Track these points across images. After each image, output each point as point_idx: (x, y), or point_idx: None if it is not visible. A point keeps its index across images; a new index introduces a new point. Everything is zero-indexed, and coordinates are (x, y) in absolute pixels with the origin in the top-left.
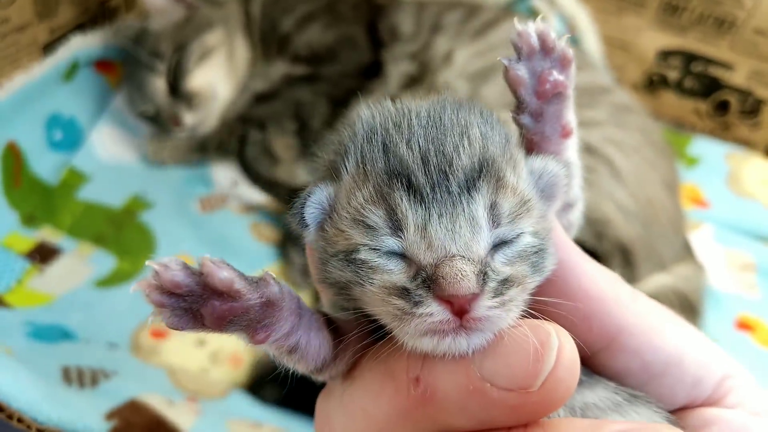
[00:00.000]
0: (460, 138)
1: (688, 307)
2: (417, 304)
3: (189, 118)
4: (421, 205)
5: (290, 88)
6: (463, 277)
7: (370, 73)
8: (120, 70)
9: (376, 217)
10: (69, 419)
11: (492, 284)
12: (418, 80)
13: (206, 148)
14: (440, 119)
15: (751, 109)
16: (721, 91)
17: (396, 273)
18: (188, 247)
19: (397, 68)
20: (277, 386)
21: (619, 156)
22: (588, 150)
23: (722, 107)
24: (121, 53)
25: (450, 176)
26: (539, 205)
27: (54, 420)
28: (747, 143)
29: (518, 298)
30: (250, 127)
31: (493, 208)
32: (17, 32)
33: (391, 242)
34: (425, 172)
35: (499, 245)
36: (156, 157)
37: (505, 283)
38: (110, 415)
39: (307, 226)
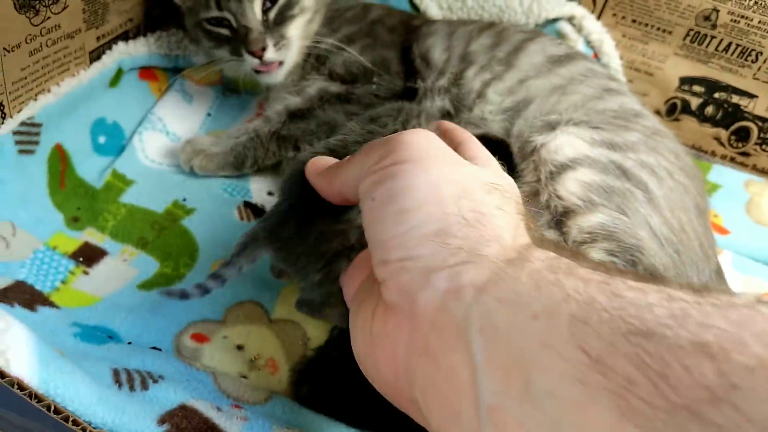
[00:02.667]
0: None
1: None
2: None
3: (271, 52)
4: None
5: (323, 107)
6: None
7: (403, 98)
8: (162, 78)
9: None
10: (123, 423)
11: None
12: (453, 115)
13: (242, 165)
14: None
15: None
16: (743, 120)
17: None
18: (226, 254)
19: (434, 104)
20: (317, 389)
21: (654, 181)
22: (624, 174)
23: (743, 136)
24: (163, 60)
25: None
26: None
27: (108, 424)
28: (766, 173)
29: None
30: (284, 146)
31: None
32: (67, 38)
33: None
34: None
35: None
36: (187, 164)
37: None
38: (162, 420)
39: None
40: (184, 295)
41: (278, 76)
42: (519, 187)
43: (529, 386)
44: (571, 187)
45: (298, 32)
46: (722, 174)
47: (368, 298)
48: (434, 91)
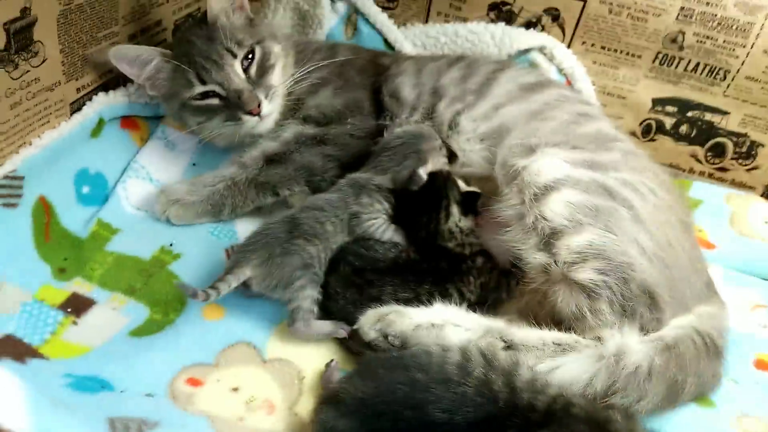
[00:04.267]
0: None
1: (711, 347)
2: None
3: (266, 106)
4: None
5: (300, 151)
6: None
7: (378, 137)
8: (144, 126)
9: None
10: None
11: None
12: None
13: (219, 213)
14: None
15: (747, 152)
16: (717, 136)
17: None
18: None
19: None
20: None
21: (638, 198)
22: (608, 193)
23: (719, 151)
24: (144, 109)
25: None
26: None
27: None
28: (744, 186)
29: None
30: (262, 193)
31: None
32: (47, 91)
33: None
34: None
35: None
36: (163, 214)
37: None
38: None
39: None
40: (194, 294)
41: (268, 123)
42: (503, 212)
43: None
44: (556, 208)
45: (280, 79)
46: (702, 190)
47: None
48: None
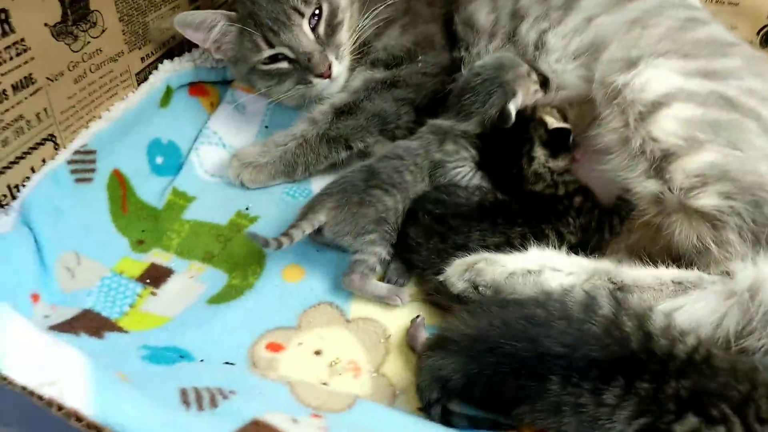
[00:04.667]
0: None
1: None
2: None
3: (337, 67)
4: None
5: (370, 98)
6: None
7: (454, 73)
8: (212, 92)
9: None
10: None
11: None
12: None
13: (293, 173)
14: None
15: None
16: None
17: None
18: (295, 259)
19: None
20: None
21: (765, 108)
22: (729, 104)
23: None
24: (211, 74)
25: None
26: None
27: None
28: None
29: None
30: (334, 147)
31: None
32: (110, 62)
33: None
34: None
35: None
36: (236, 178)
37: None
38: None
39: None
40: (266, 244)
41: (339, 83)
42: (605, 138)
43: None
44: (667, 126)
45: (347, 35)
46: None
47: None
48: (488, 53)
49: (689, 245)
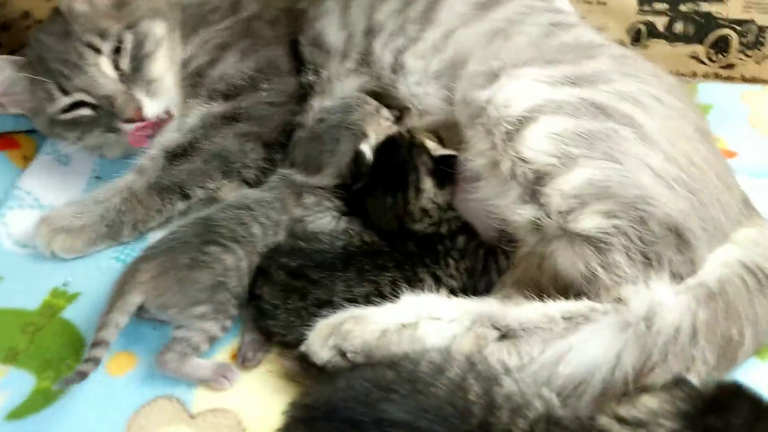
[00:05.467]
0: None
1: (764, 280)
2: None
3: (150, 107)
4: None
5: (208, 136)
6: None
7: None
8: (26, 143)
9: None
10: None
11: None
12: (380, 96)
13: (118, 234)
14: None
15: (755, 40)
16: (718, 28)
17: None
18: (124, 344)
19: (343, 85)
20: None
21: (641, 112)
22: (601, 111)
23: (722, 46)
24: (20, 122)
25: None
26: None
27: None
28: (758, 81)
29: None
30: (168, 198)
31: None
32: None
33: None
34: None
35: None
36: (47, 248)
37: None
38: None
39: None
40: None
41: (171, 126)
42: (471, 163)
43: None
44: (536, 144)
45: (166, 65)
46: (711, 92)
47: None
48: (340, 77)
49: (576, 273)
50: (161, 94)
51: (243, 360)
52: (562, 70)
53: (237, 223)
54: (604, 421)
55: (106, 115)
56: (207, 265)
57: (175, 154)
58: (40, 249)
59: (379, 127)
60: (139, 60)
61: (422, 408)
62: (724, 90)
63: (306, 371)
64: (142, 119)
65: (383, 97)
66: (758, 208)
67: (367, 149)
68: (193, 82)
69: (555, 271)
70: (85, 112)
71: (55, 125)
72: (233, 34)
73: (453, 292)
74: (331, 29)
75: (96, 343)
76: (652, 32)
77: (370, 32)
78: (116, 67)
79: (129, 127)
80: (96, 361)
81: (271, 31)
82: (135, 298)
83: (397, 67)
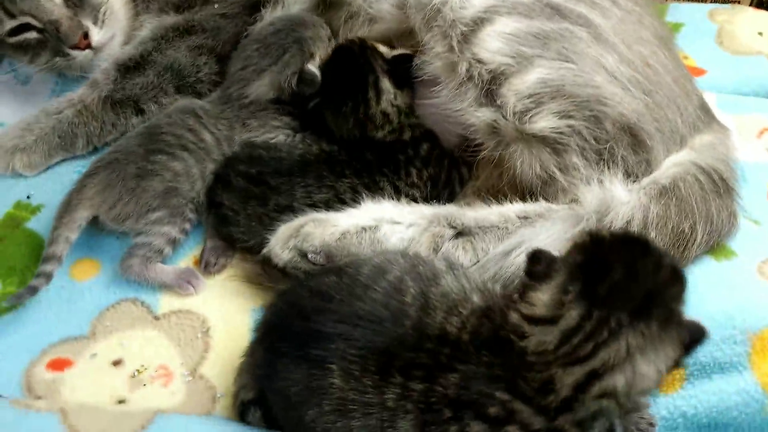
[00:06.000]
0: None
1: (720, 183)
2: None
3: (97, 34)
4: None
5: (160, 49)
6: None
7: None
8: None
9: None
10: None
11: None
12: (332, 5)
13: (71, 146)
14: None
15: None
16: None
17: None
18: (86, 251)
19: None
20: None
21: (596, 13)
22: (556, 12)
23: None
24: None
25: None
26: None
27: None
28: (727, 1)
29: None
30: (122, 112)
31: None
32: None
33: None
34: None
35: None
36: (7, 170)
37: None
38: None
39: None
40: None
41: (110, 49)
42: (429, 66)
43: None
44: (492, 44)
45: None
46: (680, 10)
47: None
48: None
49: (533, 176)
50: (109, 21)
51: (205, 266)
52: None
53: (184, 129)
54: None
55: (53, 39)
56: (155, 173)
57: (128, 68)
58: (1, 171)
59: (326, 55)
60: None
61: (356, 314)
62: (692, 8)
63: (268, 274)
64: (88, 46)
65: (334, 5)
66: (725, 117)
67: (313, 68)
68: None
69: (514, 175)
70: (32, 35)
71: (4, 47)
72: None
73: (415, 201)
74: None
75: (46, 258)
76: None
77: None
78: None
79: (76, 53)
80: (48, 276)
81: None
82: (82, 213)
83: None
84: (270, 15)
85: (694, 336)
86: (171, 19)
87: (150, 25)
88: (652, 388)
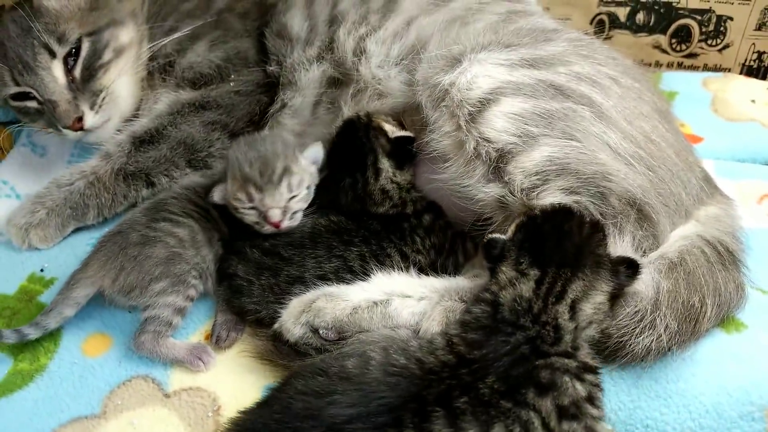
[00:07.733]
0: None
1: (726, 255)
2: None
3: (91, 119)
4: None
5: (175, 123)
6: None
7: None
8: (2, 134)
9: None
10: None
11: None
12: (342, 82)
13: (83, 216)
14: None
15: (715, 30)
16: (679, 18)
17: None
18: (99, 326)
19: (308, 75)
20: None
21: (598, 92)
22: (560, 92)
23: (684, 35)
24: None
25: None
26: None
27: None
28: (719, 70)
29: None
30: (133, 184)
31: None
32: None
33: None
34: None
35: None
36: (25, 245)
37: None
38: None
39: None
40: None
41: (105, 133)
42: (437, 144)
43: None
44: (498, 124)
45: (117, 73)
46: (674, 80)
47: None
48: (304, 64)
49: None
50: (107, 106)
51: (216, 340)
52: (521, 52)
53: (187, 201)
54: None
55: (49, 114)
56: (158, 239)
57: (142, 141)
58: (19, 247)
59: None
60: (92, 70)
61: (364, 395)
62: (686, 78)
63: (279, 351)
64: (81, 129)
65: (345, 83)
66: (724, 184)
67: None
68: (162, 69)
69: None
70: (32, 104)
71: (7, 105)
72: (204, 26)
73: (422, 269)
74: (295, 20)
75: (33, 324)
76: (615, 23)
77: (334, 21)
78: (68, 71)
79: (67, 132)
80: (22, 336)
81: (241, 23)
82: (81, 291)
83: (360, 51)
84: (286, 95)
85: (626, 265)
86: (187, 94)
87: (166, 99)
88: (600, 319)
